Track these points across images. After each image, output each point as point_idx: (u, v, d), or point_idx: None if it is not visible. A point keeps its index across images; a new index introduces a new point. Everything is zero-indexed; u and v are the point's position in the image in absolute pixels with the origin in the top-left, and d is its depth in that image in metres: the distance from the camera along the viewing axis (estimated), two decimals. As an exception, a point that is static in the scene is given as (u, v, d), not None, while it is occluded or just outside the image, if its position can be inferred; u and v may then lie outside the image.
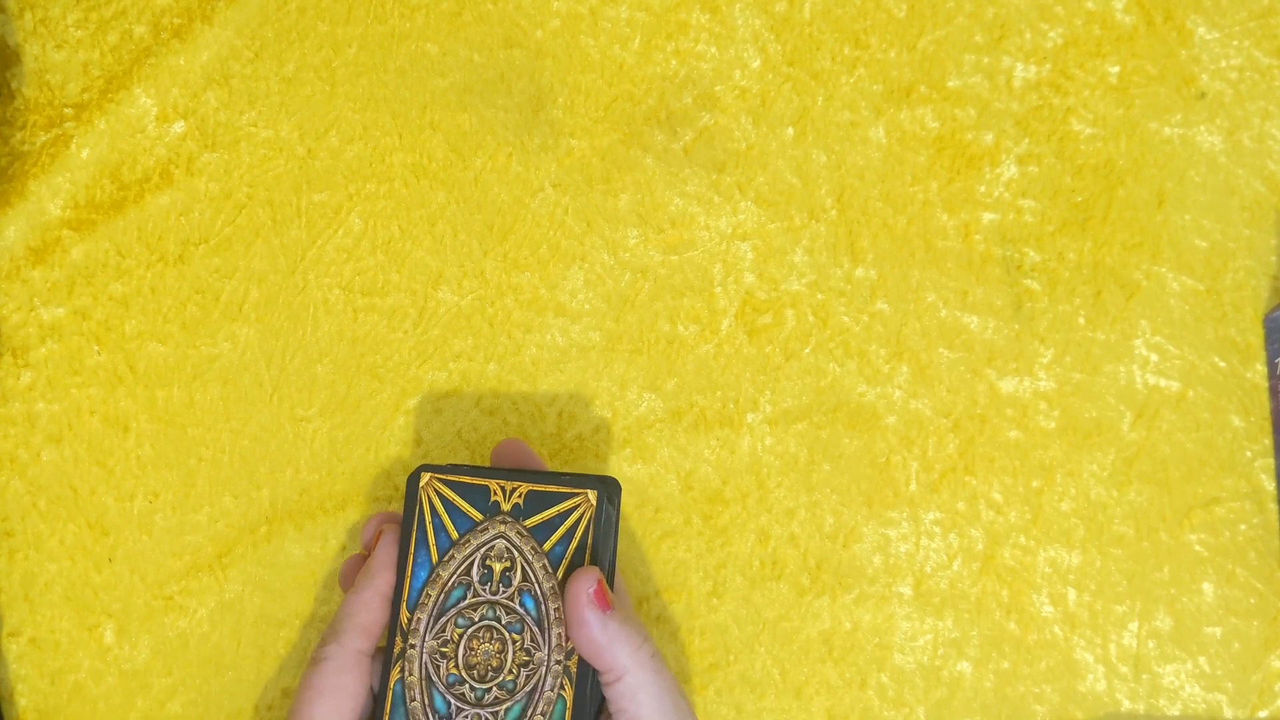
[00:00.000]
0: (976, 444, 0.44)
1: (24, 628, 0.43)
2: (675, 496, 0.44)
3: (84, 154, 0.46)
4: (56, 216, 0.46)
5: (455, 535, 0.36)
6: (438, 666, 0.35)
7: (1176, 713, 0.42)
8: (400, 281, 0.45)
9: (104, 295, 0.45)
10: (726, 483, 0.44)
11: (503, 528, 0.36)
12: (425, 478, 0.37)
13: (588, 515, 0.36)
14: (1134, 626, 0.43)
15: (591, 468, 0.44)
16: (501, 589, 0.36)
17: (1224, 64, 0.46)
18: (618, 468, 0.44)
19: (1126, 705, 0.42)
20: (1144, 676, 0.43)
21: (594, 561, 0.36)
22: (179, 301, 0.45)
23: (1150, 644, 0.43)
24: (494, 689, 0.35)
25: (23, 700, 0.43)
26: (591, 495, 0.36)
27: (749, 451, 0.44)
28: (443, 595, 0.36)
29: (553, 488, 0.36)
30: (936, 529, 0.44)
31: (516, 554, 0.36)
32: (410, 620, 0.36)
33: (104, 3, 0.47)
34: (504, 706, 0.35)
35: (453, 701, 0.35)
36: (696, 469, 0.44)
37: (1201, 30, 0.46)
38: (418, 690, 0.35)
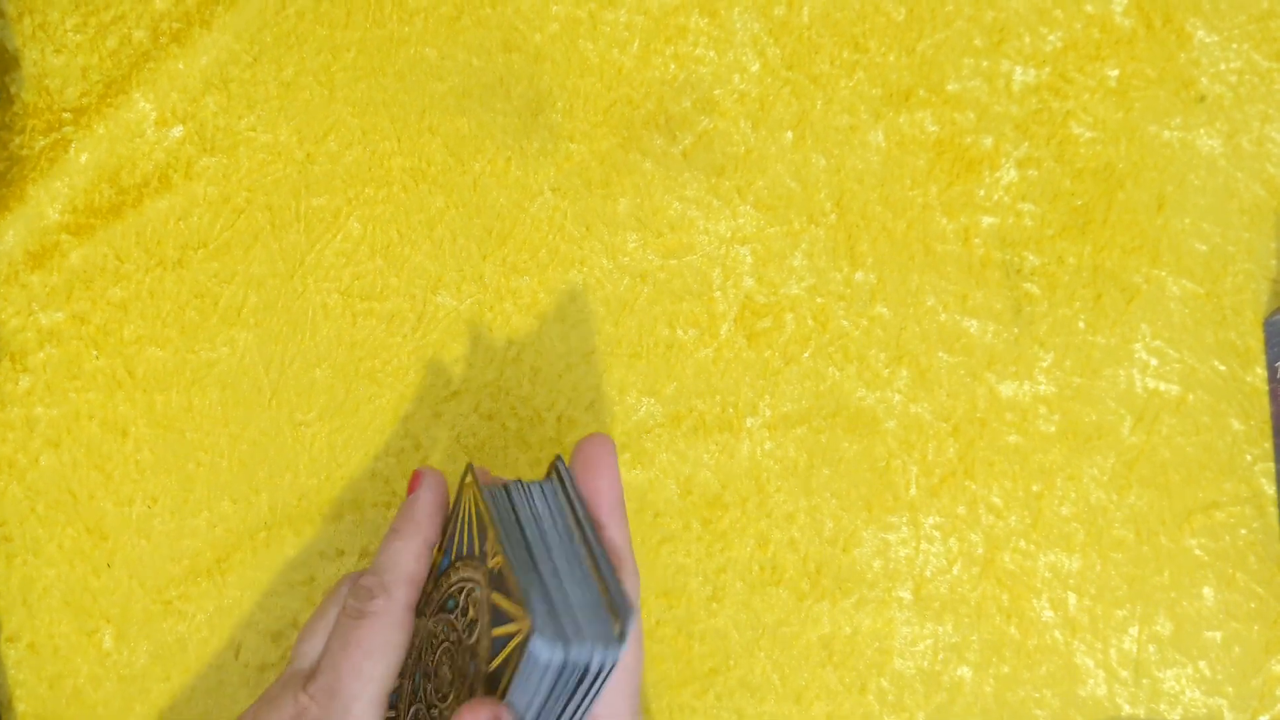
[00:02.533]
0: (976, 448, 0.44)
1: (23, 632, 0.43)
2: (675, 501, 0.44)
3: (83, 159, 0.46)
4: (55, 221, 0.46)
5: (465, 551, 0.34)
6: (424, 650, 0.33)
7: (1177, 717, 0.42)
8: (399, 286, 0.45)
9: (103, 300, 0.45)
10: (726, 487, 0.44)
11: (481, 580, 0.32)
12: (469, 478, 0.34)
13: (517, 641, 0.29)
14: (1134, 631, 0.43)
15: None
16: (466, 634, 0.32)
17: (1223, 67, 0.46)
18: (617, 472, 0.44)
19: (1127, 710, 0.42)
20: (1144, 681, 0.43)
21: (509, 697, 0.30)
22: (178, 306, 0.45)
23: (1151, 648, 0.43)
24: (440, 708, 0.32)
25: (22, 705, 0.43)
26: (524, 626, 0.29)
27: (748, 456, 0.44)
28: (445, 594, 0.34)
29: (512, 584, 0.30)
30: (936, 533, 0.44)
31: (477, 614, 0.32)
32: (428, 593, 0.34)
33: (103, 7, 0.47)
34: None
35: (422, 690, 0.33)
36: (696, 474, 0.44)
37: (1201, 33, 0.46)
38: (412, 656, 0.34)
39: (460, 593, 0.33)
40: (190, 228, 0.46)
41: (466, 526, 0.34)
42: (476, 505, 0.33)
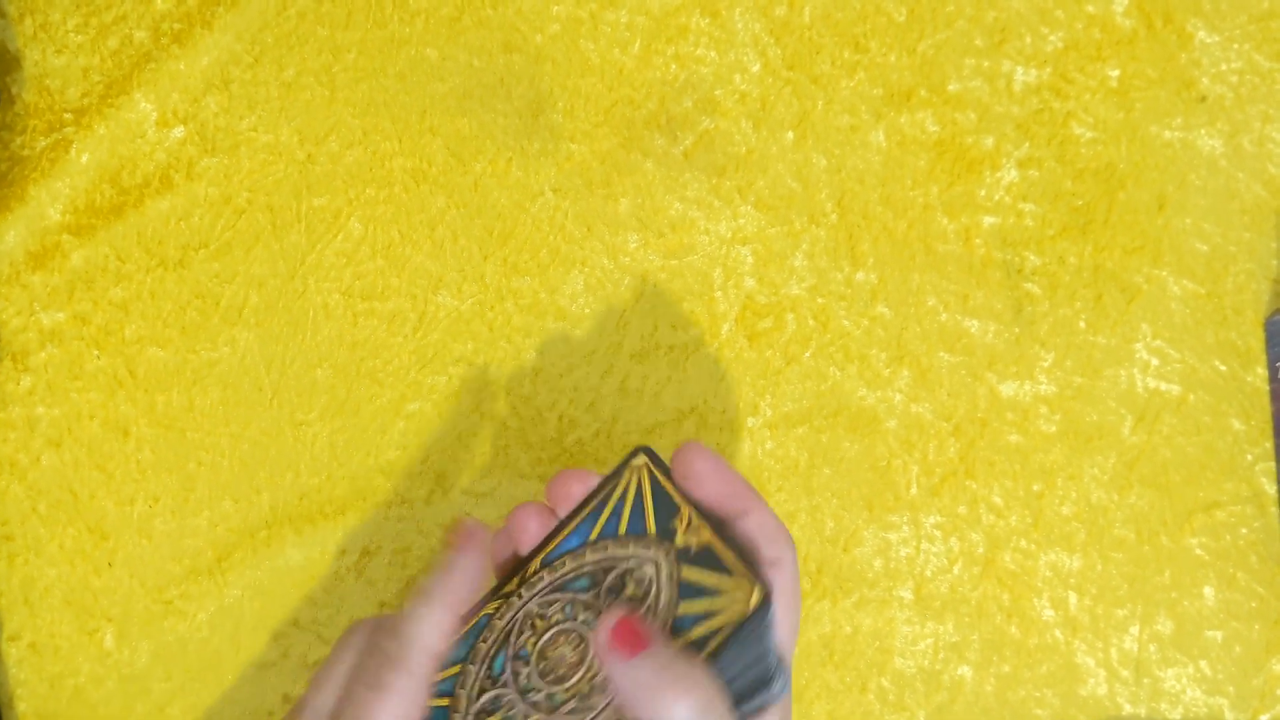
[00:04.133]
0: (977, 448, 0.44)
1: (24, 632, 0.43)
2: (675, 501, 0.44)
3: (84, 159, 0.46)
4: (56, 221, 0.46)
5: (622, 530, 0.33)
6: (521, 632, 0.32)
7: (1178, 716, 0.42)
8: (400, 286, 0.45)
9: (104, 300, 0.45)
10: (727, 487, 0.44)
11: (661, 558, 0.32)
12: (641, 459, 0.33)
13: (737, 613, 0.30)
14: (1135, 630, 0.43)
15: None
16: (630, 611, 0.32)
17: (1224, 67, 0.46)
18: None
19: (1128, 709, 0.42)
20: (1145, 680, 0.43)
21: (722, 664, 0.30)
22: (179, 306, 0.45)
23: (1151, 648, 0.43)
24: (545, 690, 0.31)
25: (22, 704, 0.43)
26: (754, 591, 0.30)
27: (749, 455, 0.44)
28: (571, 575, 0.33)
29: (729, 559, 0.31)
30: (937, 533, 0.44)
31: (653, 590, 0.32)
32: (534, 574, 0.33)
33: (104, 8, 0.47)
34: (544, 712, 0.31)
35: (509, 673, 0.32)
36: (697, 473, 0.44)
37: (1202, 34, 0.46)
38: (493, 639, 0.33)
39: (606, 571, 0.33)
40: (191, 228, 0.46)
41: (630, 506, 0.33)
42: (654, 484, 0.33)
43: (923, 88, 0.46)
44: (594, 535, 0.33)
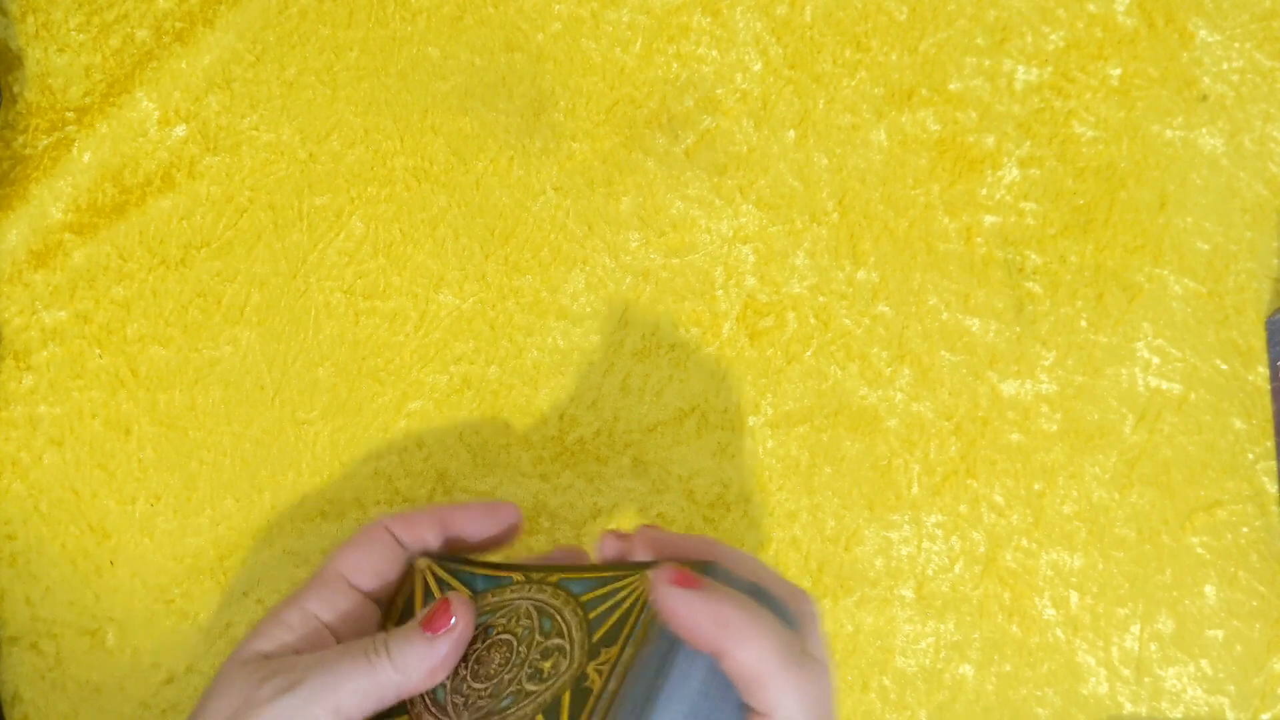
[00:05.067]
0: (978, 447, 0.44)
1: (25, 632, 0.43)
2: (677, 500, 0.44)
3: (86, 158, 0.46)
4: (58, 220, 0.46)
5: (592, 616, 0.33)
6: (509, 616, 0.34)
7: (1179, 716, 0.42)
8: (402, 285, 0.45)
9: (106, 299, 0.45)
10: (728, 486, 0.44)
11: (529, 590, 0.34)
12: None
13: (642, 598, 0.32)
14: (1136, 629, 0.43)
15: (593, 471, 0.44)
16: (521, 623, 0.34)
17: (1225, 66, 0.46)
18: (619, 472, 0.44)
19: (1129, 708, 0.42)
20: (1146, 679, 0.43)
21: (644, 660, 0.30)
22: (180, 305, 0.45)
23: (1152, 647, 0.43)
24: (469, 683, 0.33)
25: (23, 704, 0.43)
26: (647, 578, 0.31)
27: (750, 455, 0.44)
28: (556, 609, 0.34)
29: (599, 574, 0.33)
30: (938, 532, 0.44)
31: (544, 610, 0.33)
32: (544, 580, 0.35)
33: (106, 7, 0.47)
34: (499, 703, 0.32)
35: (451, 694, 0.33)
36: (698, 472, 0.44)
37: (1203, 33, 0.46)
38: (501, 605, 0.34)
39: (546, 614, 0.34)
40: (193, 227, 0.46)
41: (620, 612, 0.33)
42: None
43: (924, 87, 0.46)
44: (586, 597, 0.34)
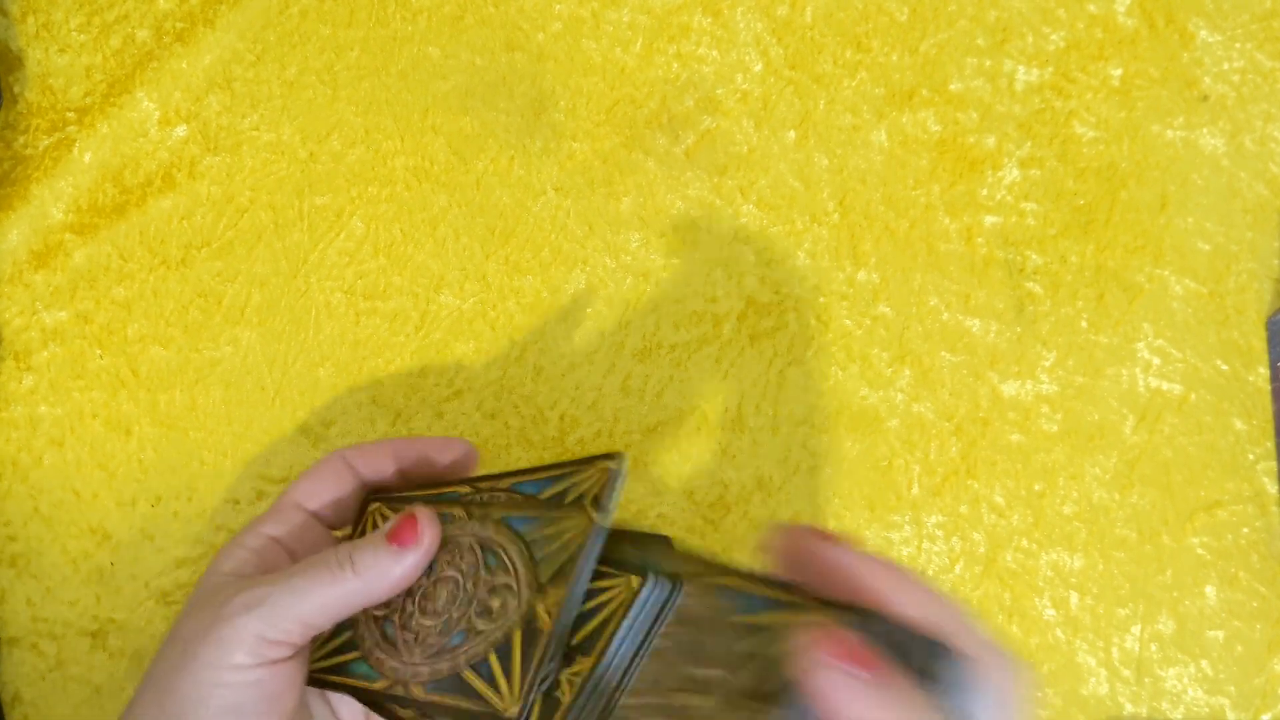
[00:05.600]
0: (979, 447, 0.44)
1: (26, 632, 0.43)
2: (678, 501, 0.44)
3: (86, 158, 0.46)
4: (59, 220, 0.46)
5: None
6: (452, 551, 0.35)
7: (1179, 716, 0.42)
8: (402, 285, 0.45)
9: (106, 299, 0.45)
10: (729, 487, 0.44)
11: (471, 526, 0.35)
12: (614, 464, 0.34)
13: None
14: (1136, 630, 0.43)
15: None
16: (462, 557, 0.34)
17: (1226, 67, 0.46)
18: (620, 471, 0.44)
19: (1129, 709, 0.42)
20: (1146, 680, 0.43)
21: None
22: (181, 305, 0.45)
23: (1153, 647, 0.43)
24: (416, 617, 0.34)
25: (24, 705, 0.43)
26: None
27: (751, 455, 0.44)
28: (518, 513, 0.35)
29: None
30: (939, 532, 0.44)
31: (488, 546, 0.34)
32: (494, 489, 0.35)
33: (106, 7, 0.47)
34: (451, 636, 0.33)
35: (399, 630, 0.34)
36: (699, 473, 0.44)
37: (1204, 33, 0.46)
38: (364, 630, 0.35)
39: (533, 540, 0.34)
40: (194, 227, 0.46)
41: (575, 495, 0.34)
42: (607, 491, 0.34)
43: (924, 87, 0.46)
44: (531, 536, 0.34)
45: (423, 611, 0.34)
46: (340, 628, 0.35)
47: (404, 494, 0.38)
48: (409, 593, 0.34)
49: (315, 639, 0.35)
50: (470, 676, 0.32)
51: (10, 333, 0.45)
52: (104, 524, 0.44)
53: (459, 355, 0.45)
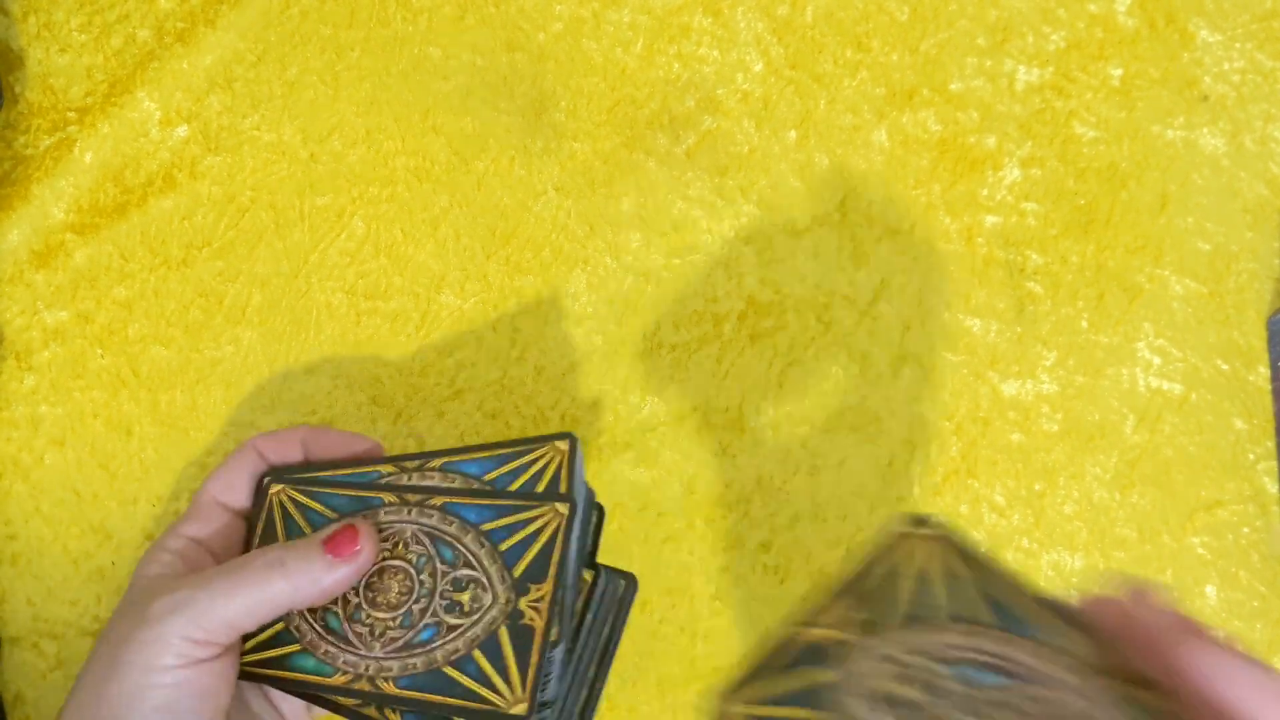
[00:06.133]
0: (979, 447, 0.44)
1: (27, 632, 0.43)
2: (678, 500, 0.44)
3: (87, 158, 0.46)
4: (60, 220, 0.46)
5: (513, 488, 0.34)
6: (389, 541, 0.34)
7: (1180, 716, 0.42)
8: (403, 285, 0.45)
9: (107, 299, 0.45)
10: (729, 486, 0.44)
11: (409, 513, 0.34)
12: (565, 443, 0.35)
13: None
14: (1137, 630, 0.43)
15: (593, 471, 0.44)
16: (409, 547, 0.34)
17: (1226, 67, 0.46)
18: (620, 471, 0.44)
19: (1130, 708, 0.42)
20: (1147, 680, 0.43)
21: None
22: (182, 305, 0.45)
23: (1153, 647, 0.43)
24: (366, 611, 0.33)
25: (25, 705, 0.43)
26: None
27: (752, 455, 0.44)
28: (459, 498, 0.35)
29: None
30: (939, 532, 0.44)
31: (438, 537, 0.34)
32: (429, 468, 0.35)
33: (107, 7, 0.47)
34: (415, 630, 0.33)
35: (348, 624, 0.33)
36: (699, 473, 0.44)
37: (1204, 33, 0.46)
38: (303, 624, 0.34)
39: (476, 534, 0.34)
40: (195, 227, 0.46)
41: (529, 476, 0.34)
42: (559, 471, 0.34)
43: (925, 87, 0.46)
44: (489, 477, 0.34)
45: (371, 604, 0.33)
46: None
47: (312, 474, 0.37)
48: None
49: (244, 636, 0.35)
50: (454, 673, 0.32)
51: (12, 332, 0.45)
52: (105, 523, 0.44)
53: (460, 355, 0.45)
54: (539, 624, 0.31)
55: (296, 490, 0.36)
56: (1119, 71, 0.46)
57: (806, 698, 0.22)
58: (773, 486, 0.44)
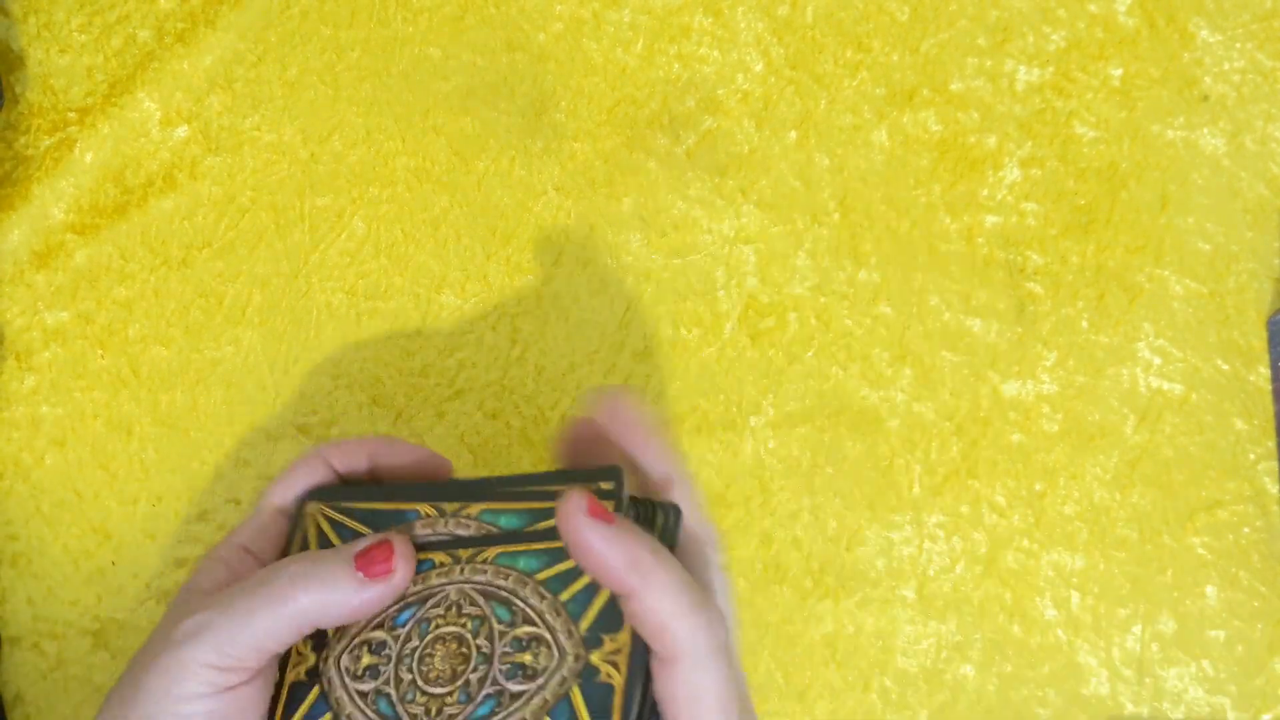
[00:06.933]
0: (979, 447, 0.44)
1: (27, 632, 0.44)
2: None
3: (87, 158, 0.46)
4: (60, 220, 0.46)
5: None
6: (437, 605, 0.30)
7: (1180, 716, 0.42)
8: (403, 285, 0.45)
9: (107, 299, 0.45)
10: (729, 486, 0.44)
11: (460, 572, 0.30)
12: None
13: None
14: (1137, 630, 0.43)
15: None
16: (457, 612, 0.30)
17: (1227, 66, 0.46)
18: (621, 471, 0.44)
19: (1130, 709, 0.42)
20: (1147, 680, 0.43)
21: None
22: (182, 305, 0.45)
23: (1154, 647, 0.43)
24: (418, 685, 0.29)
25: (25, 705, 0.43)
26: (605, 487, 0.30)
27: (752, 455, 0.44)
28: (508, 570, 0.30)
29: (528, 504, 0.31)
30: (940, 532, 0.44)
31: (492, 594, 0.30)
32: (481, 536, 0.31)
33: (108, 7, 0.47)
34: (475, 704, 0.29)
35: (400, 642, 0.30)
36: (700, 472, 0.44)
37: (1204, 33, 0.46)
38: (415, 592, 0.31)
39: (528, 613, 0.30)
40: (195, 227, 0.46)
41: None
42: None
43: (925, 87, 0.46)
44: (542, 576, 0.30)
45: (425, 679, 0.30)
46: (317, 708, 0.31)
47: (351, 504, 0.34)
48: (399, 659, 0.30)
49: (279, 657, 0.31)
50: None
51: (12, 333, 0.45)
52: (105, 524, 0.44)
53: (460, 355, 0.45)
54: (618, 680, 0.28)
55: (333, 509, 0.34)
56: (1119, 71, 0.46)
57: None
58: (772, 486, 0.44)
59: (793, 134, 0.46)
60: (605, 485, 0.30)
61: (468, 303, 0.45)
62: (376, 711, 0.30)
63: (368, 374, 0.45)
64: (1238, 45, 0.46)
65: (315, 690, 0.31)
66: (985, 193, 0.45)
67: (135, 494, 0.44)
